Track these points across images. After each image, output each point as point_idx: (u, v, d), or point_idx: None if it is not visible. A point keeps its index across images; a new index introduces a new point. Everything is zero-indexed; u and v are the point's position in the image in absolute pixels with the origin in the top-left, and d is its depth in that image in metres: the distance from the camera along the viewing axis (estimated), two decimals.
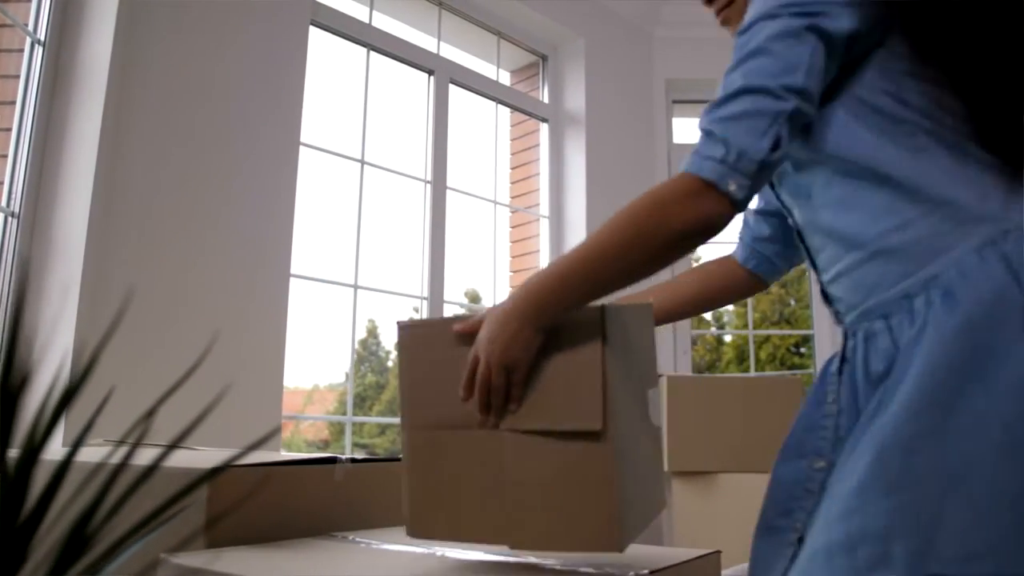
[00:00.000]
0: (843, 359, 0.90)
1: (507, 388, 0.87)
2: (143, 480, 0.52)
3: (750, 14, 0.87)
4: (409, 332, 0.98)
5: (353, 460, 1.29)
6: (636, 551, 0.97)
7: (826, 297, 0.96)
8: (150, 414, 0.56)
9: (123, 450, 0.56)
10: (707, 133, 0.82)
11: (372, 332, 2.91)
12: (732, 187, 0.80)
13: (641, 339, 0.99)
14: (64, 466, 0.54)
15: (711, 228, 0.83)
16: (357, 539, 1.12)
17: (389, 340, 2.98)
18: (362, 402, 2.62)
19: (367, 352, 2.85)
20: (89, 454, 0.63)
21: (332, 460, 1.27)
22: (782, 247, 1.18)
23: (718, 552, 1.00)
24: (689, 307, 1.25)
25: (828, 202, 0.89)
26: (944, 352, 0.75)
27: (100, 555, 0.51)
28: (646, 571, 0.86)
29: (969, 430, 0.72)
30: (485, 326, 0.88)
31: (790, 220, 1.00)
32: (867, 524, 0.73)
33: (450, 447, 0.93)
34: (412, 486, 0.95)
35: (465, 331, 0.91)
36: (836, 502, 0.78)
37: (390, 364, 3.25)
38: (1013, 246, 0.77)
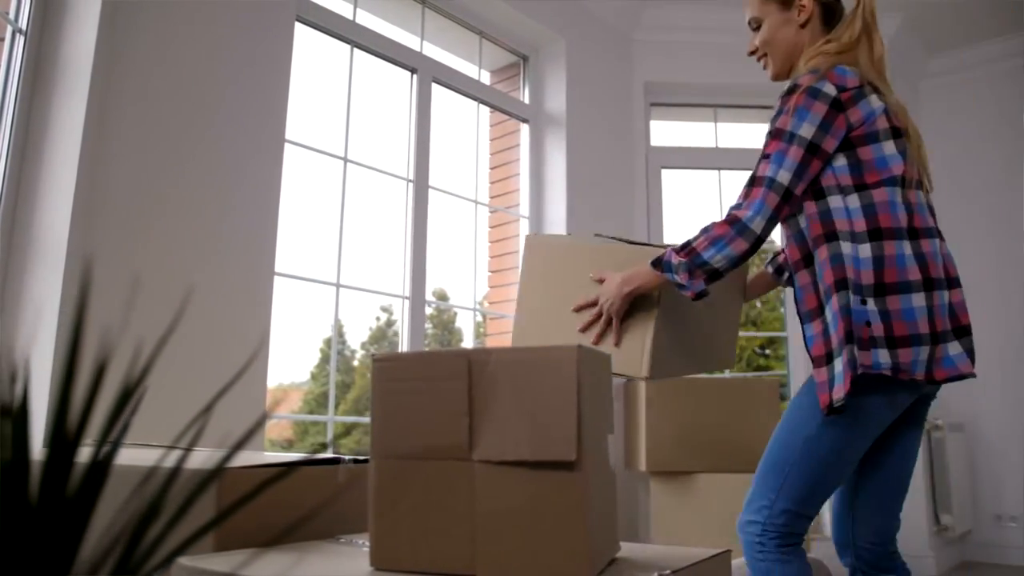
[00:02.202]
0: None
1: None
2: (205, 485, 0.52)
3: None
4: (383, 364, 0.99)
5: (355, 460, 1.29)
6: (652, 551, 0.98)
7: None
8: (207, 409, 0.55)
9: (175, 455, 0.55)
10: None
11: (338, 331, 2.89)
12: None
13: (602, 385, 1.02)
14: (104, 468, 0.53)
15: None
16: (359, 542, 1.11)
17: (355, 339, 2.96)
18: (327, 401, 2.63)
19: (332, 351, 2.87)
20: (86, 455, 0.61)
21: (335, 461, 1.26)
22: None
23: (728, 551, 1.02)
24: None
25: None
26: None
27: (161, 560, 0.50)
28: (668, 571, 0.87)
29: None
30: None
31: None
32: None
33: (418, 477, 0.94)
34: (378, 515, 0.96)
35: None
36: None
37: (356, 364, 3.24)
38: None
